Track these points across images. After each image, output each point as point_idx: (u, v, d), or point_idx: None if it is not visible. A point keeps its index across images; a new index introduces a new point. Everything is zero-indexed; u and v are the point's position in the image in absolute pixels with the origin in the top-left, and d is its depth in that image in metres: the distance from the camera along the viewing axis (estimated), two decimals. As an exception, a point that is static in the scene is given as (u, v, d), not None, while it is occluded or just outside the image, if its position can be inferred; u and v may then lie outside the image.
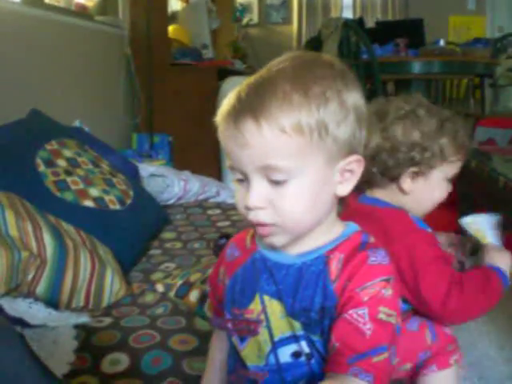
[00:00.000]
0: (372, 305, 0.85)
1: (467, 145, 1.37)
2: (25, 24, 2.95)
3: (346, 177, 0.90)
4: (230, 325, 0.99)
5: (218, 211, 2.78)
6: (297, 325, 0.91)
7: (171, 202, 2.91)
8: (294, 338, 0.92)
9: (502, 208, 2.25)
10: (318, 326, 0.89)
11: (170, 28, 4.57)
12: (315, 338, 0.90)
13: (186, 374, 1.35)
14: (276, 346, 0.93)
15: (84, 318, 1.62)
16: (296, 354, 0.92)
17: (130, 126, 4.29)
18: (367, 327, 0.84)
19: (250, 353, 0.97)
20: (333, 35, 4.14)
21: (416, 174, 1.30)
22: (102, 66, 3.85)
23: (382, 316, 0.85)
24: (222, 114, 0.88)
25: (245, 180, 0.88)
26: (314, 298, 0.89)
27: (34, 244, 1.70)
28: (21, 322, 1.46)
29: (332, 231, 0.93)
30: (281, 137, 0.82)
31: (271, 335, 0.94)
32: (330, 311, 0.88)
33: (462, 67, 4.57)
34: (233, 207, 2.79)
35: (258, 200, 0.86)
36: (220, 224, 2.60)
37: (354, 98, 0.89)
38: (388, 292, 0.87)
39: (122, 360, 1.41)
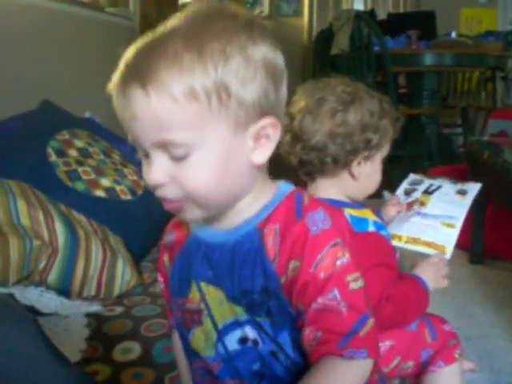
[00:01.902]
0: (338, 281, 0.78)
1: (398, 124, 1.35)
2: (35, 16, 2.95)
3: (261, 143, 0.79)
4: (177, 316, 0.93)
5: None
6: (238, 309, 0.83)
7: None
8: (238, 324, 0.84)
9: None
10: (261, 307, 0.81)
11: (181, 20, 4.57)
12: (261, 319, 0.82)
13: (197, 363, 1.36)
14: (221, 334, 0.86)
15: (95, 307, 1.63)
16: (242, 340, 0.85)
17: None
18: (342, 305, 0.77)
19: (199, 343, 0.90)
20: (344, 27, 4.13)
21: (366, 158, 1.26)
22: (112, 57, 3.85)
23: (352, 286, 0.79)
24: (112, 82, 0.77)
25: (147, 155, 0.78)
26: (255, 279, 0.80)
27: (45, 233, 1.71)
28: (32, 311, 1.47)
29: (261, 198, 0.83)
30: (172, 106, 0.72)
31: (215, 324, 0.86)
32: (276, 293, 0.79)
33: (473, 60, 4.56)
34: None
35: (158, 177, 0.76)
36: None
37: (263, 52, 0.77)
38: (345, 256, 0.79)
39: (134, 348, 1.42)
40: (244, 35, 0.76)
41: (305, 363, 0.83)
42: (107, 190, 2.12)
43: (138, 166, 2.40)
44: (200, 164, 0.76)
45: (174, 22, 0.77)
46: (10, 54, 2.69)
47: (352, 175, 1.27)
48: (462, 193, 1.46)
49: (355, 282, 0.79)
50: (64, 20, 3.27)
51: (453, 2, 6.28)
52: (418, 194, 1.47)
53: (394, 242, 1.39)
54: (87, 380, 1.12)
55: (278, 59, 0.80)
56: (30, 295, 1.57)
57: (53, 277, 1.68)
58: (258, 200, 0.83)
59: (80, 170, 2.11)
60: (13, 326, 0.94)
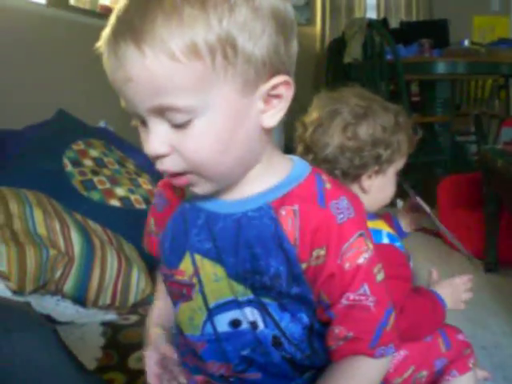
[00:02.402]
0: (367, 276, 0.75)
1: (414, 138, 1.33)
2: (50, 26, 2.98)
3: (272, 104, 0.71)
4: (167, 286, 0.85)
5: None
6: (240, 288, 0.76)
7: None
8: (236, 304, 0.77)
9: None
10: (270, 290, 0.76)
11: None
12: (267, 300, 0.77)
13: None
14: (212, 313, 0.79)
15: (111, 316, 1.65)
16: (234, 323, 0.79)
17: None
18: (370, 300, 0.75)
19: (183, 320, 0.84)
20: (357, 36, 4.13)
21: (377, 172, 1.25)
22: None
23: (378, 278, 0.76)
24: (102, 39, 0.68)
25: (144, 123, 0.71)
26: (269, 261, 0.74)
27: (61, 242, 1.73)
28: (49, 319, 1.49)
29: (276, 170, 0.77)
30: (171, 66, 0.63)
31: (205, 301, 0.79)
32: (299, 278, 0.75)
33: (486, 68, 4.54)
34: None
35: (158, 147, 0.69)
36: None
37: (273, 1, 0.68)
38: (370, 248, 0.76)
39: (149, 357, 1.43)
40: None
41: (308, 352, 0.81)
42: (122, 199, 2.14)
43: (152, 175, 2.42)
44: (204, 131, 0.67)
45: None
46: (25, 64, 2.72)
47: (362, 188, 1.25)
48: None
49: (380, 274, 0.77)
50: (79, 30, 3.30)
51: (465, 10, 6.26)
52: None
53: None
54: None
55: (288, 9, 0.71)
56: (47, 304, 1.59)
57: (69, 286, 1.69)
58: (269, 171, 0.77)
59: (95, 179, 2.13)
60: (33, 334, 0.96)
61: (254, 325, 0.78)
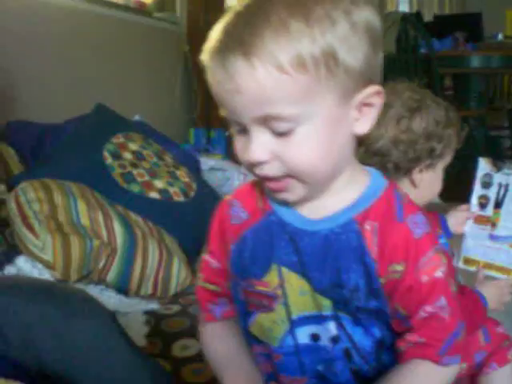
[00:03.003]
0: (444, 289, 0.78)
1: (462, 133, 1.33)
2: (85, 21, 3.01)
3: (365, 112, 0.75)
4: (241, 295, 0.86)
5: (276, 204, 2.80)
6: (326, 302, 0.79)
7: (230, 195, 2.93)
8: (320, 318, 0.80)
9: None
10: (347, 303, 0.78)
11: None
12: (342, 314, 0.79)
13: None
14: (294, 325, 0.81)
15: (153, 305, 1.67)
16: (315, 337, 0.81)
17: (187, 121, 4.34)
18: (445, 311, 0.78)
19: (260, 330, 0.85)
20: (390, 29, 4.12)
21: (428, 166, 1.25)
22: (159, 62, 3.91)
23: (453, 289, 0.79)
24: (208, 52, 0.72)
25: (244, 131, 0.74)
26: (350, 274, 0.77)
27: (104, 233, 1.76)
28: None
29: (356, 184, 0.80)
30: (279, 77, 0.67)
31: (288, 313, 0.81)
32: (378, 292, 0.77)
33: (520, 61, 4.49)
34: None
35: (260, 154, 0.72)
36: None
37: (366, 16, 0.73)
38: (446, 261, 0.78)
39: (192, 345, 1.46)
40: None
41: (374, 364, 0.82)
42: (161, 191, 2.16)
43: (189, 168, 2.45)
44: (306, 139, 0.71)
45: None
46: (63, 59, 2.76)
47: (412, 182, 1.26)
48: None
49: (453, 286, 0.80)
50: (114, 25, 3.34)
51: (497, 4, 6.20)
52: (490, 210, 1.44)
53: (472, 268, 1.41)
54: (162, 371, 1.16)
55: (378, 23, 0.75)
56: (91, 293, 1.61)
57: (111, 275, 1.73)
58: (351, 184, 0.80)
59: (135, 172, 2.16)
60: (94, 319, 0.99)
61: (332, 339, 0.81)
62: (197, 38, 4.21)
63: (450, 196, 2.93)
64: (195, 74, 4.26)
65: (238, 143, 0.76)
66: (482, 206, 1.45)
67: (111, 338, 0.98)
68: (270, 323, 0.83)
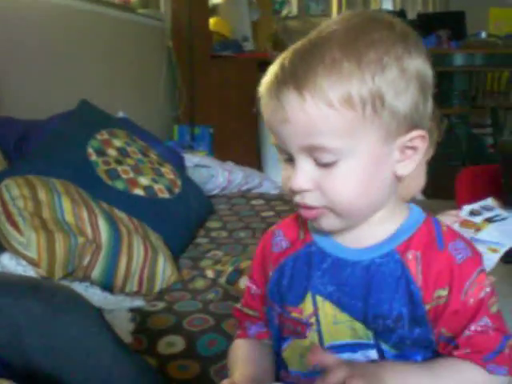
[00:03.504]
0: (486, 310, 0.80)
1: (441, 127, 1.36)
2: (69, 17, 3.00)
3: (407, 155, 0.79)
4: (276, 320, 0.90)
5: (261, 201, 2.81)
6: (364, 332, 0.81)
7: (215, 192, 2.94)
8: (356, 346, 0.82)
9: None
10: (391, 333, 0.80)
11: (211, 20, 4.60)
12: (386, 347, 0.81)
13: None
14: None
15: (139, 302, 1.67)
16: None
17: (172, 118, 4.34)
18: (490, 327, 0.80)
19: (292, 356, 0.88)
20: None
21: None
22: (143, 58, 3.90)
23: (493, 309, 0.81)
24: (264, 84, 0.78)
25: (291, 160, 0.79)
26: (393, 305, 0.79)
27: (89, 230, 1.75)
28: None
29: (396, 216, 0.83)
30: (327, 111, 0.72)
31: (321, 341, 0.84)
32: (421, 320, 0.79)
33: (503, 60, 4.54)
34: (276, 198, 2.82)
35: (303, 182, 0.77)
36: (264, 214, 2.63)
37: (418, 64, 0.77)
38: (487, 282, 0.81)
39: (178, 342, 1.46)
40: (400, 46, 0.76)
41: None
42: (145, 188, 2.16)
43: (173, 165, 2.45)
44: (347, 172, 0.76)
45: (329, 27, 0.77)
46: (47, 55, 2.75)
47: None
48: None
49: (495, 305, 0.81)
50: (98, 21, 3.32)
51: (481, 2, 6.24)
52: (479, 220, 1.46)
53: None
54: (148, 367, 1.16)
55: (429, 72, 0.79)
56: (76, 290, 1.61)
57: (96, 272, 1.72)
58: (391, 217, 0.83)
59: (119, 169, 2.15)
60: (80, 314, 0.98)
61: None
62: (180, 34, 4.22)
63: (434, 193, 2.95)
64: (179, 69, 4.26)
65: (284, 171, 0.81)
66: (473, 214, 1.48)
67: (98, 334, 0.98)
68: (303, 350, 0.85)
